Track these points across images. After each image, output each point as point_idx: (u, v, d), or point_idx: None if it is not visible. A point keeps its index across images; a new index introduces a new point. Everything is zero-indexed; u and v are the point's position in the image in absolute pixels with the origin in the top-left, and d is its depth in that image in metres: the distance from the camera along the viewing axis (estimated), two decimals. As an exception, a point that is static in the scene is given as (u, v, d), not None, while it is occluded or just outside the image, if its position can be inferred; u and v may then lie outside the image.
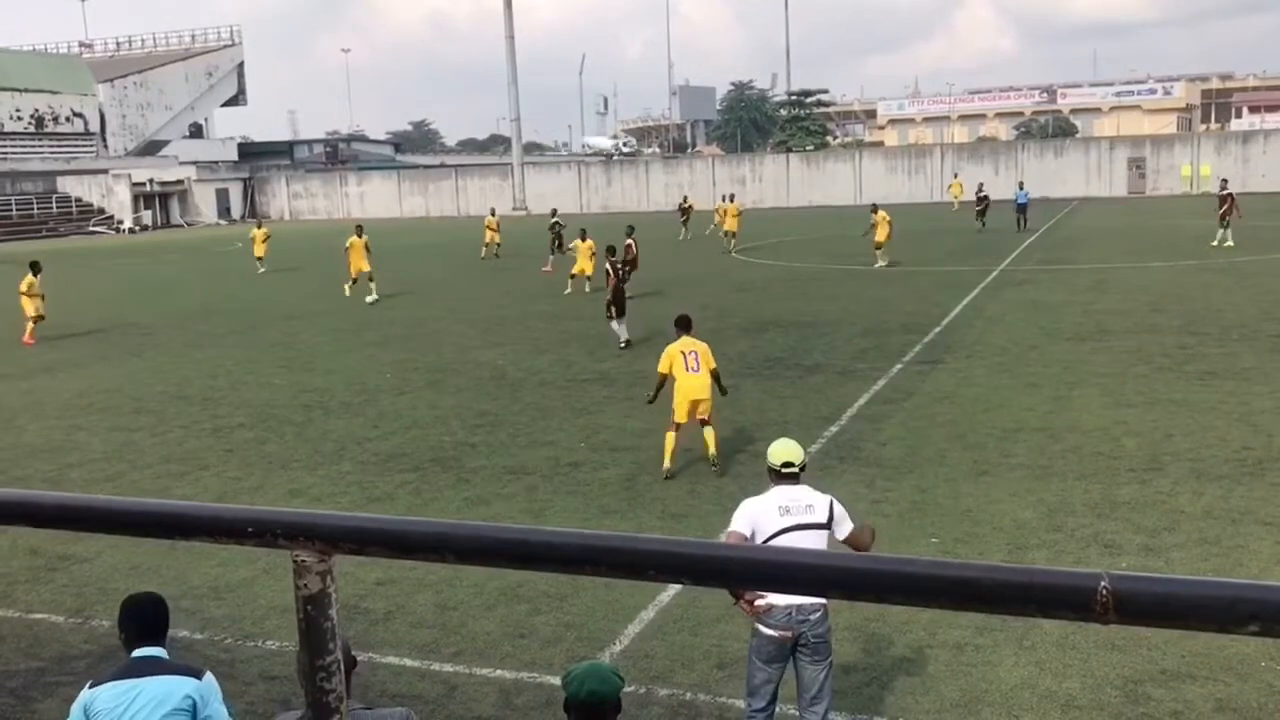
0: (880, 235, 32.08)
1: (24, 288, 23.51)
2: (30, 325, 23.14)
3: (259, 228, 39.38)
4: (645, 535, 1.37)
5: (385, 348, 20.81)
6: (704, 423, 11.67)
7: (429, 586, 8.62)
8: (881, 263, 31.54)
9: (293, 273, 37.38)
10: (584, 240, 28.03)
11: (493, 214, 42.11)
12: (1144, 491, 10.44)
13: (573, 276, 28.16)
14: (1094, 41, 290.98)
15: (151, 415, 15.69)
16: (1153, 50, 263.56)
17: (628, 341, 19.63)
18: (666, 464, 11.53)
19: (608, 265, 21.01)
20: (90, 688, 4.36)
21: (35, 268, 23.87)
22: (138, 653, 4.39)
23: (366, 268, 28.28)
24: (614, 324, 20.06)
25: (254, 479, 12.25)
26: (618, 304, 19.98)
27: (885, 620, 7.66)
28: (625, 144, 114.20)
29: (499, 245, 39.85)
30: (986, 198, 44.19)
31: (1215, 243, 33.23)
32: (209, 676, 4.48)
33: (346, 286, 28.82)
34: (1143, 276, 26.85)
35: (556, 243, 34.88)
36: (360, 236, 29.17)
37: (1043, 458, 11.70)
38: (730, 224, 39.77)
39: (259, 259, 37.85)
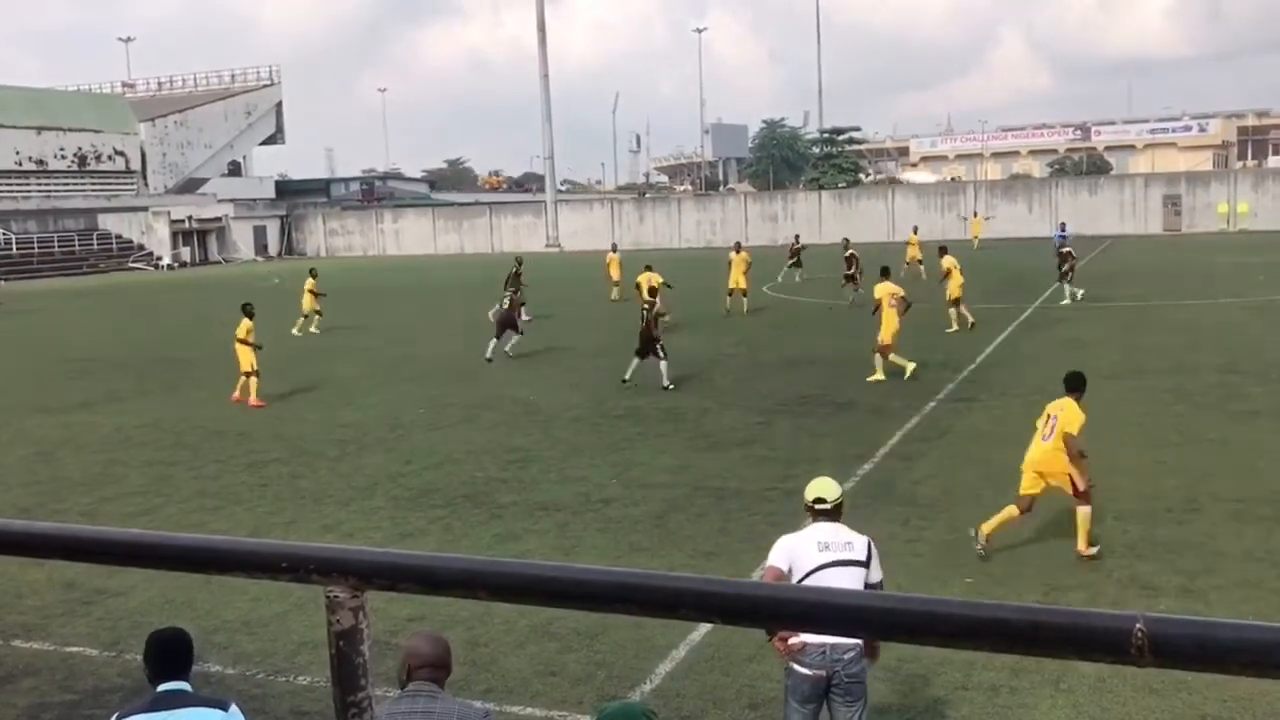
0: (952, 289, 25.54)
1: (242, 334, 19.49)
2: (255, 382, 19.18)
3: (313, 276, 30.94)
4: (677, 574, 1.37)
5: (420, 384, 20.92)
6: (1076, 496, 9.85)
7: (459, 623, 8.61)
8: (954, 326, 25.05)
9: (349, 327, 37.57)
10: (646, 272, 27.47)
11: (614, 250, 38.74)
12: (1183, 532, 10.29)
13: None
14: (1129, 78, 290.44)
15: (188, 450, 15.83)
16: (1188, 87, 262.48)
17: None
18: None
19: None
20: (117, 719, 4.39)
21: (249, 311, 19.89)
22: (164, 686, 4.44)
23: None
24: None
25: (287, 514, 12.32)
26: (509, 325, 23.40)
27: (920, 661, 7.58)
28: None
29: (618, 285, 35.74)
30: (802, 248, 41.34)
31: (1067, 301, 29.56)
32: (235, 708, 4.51)
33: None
34: (1180, 314, 26.59)
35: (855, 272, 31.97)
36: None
37: (1079, 497, 11.54)
38: (739, 279, 31.32)
39: (313, 314, 30.28)
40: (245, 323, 19.65)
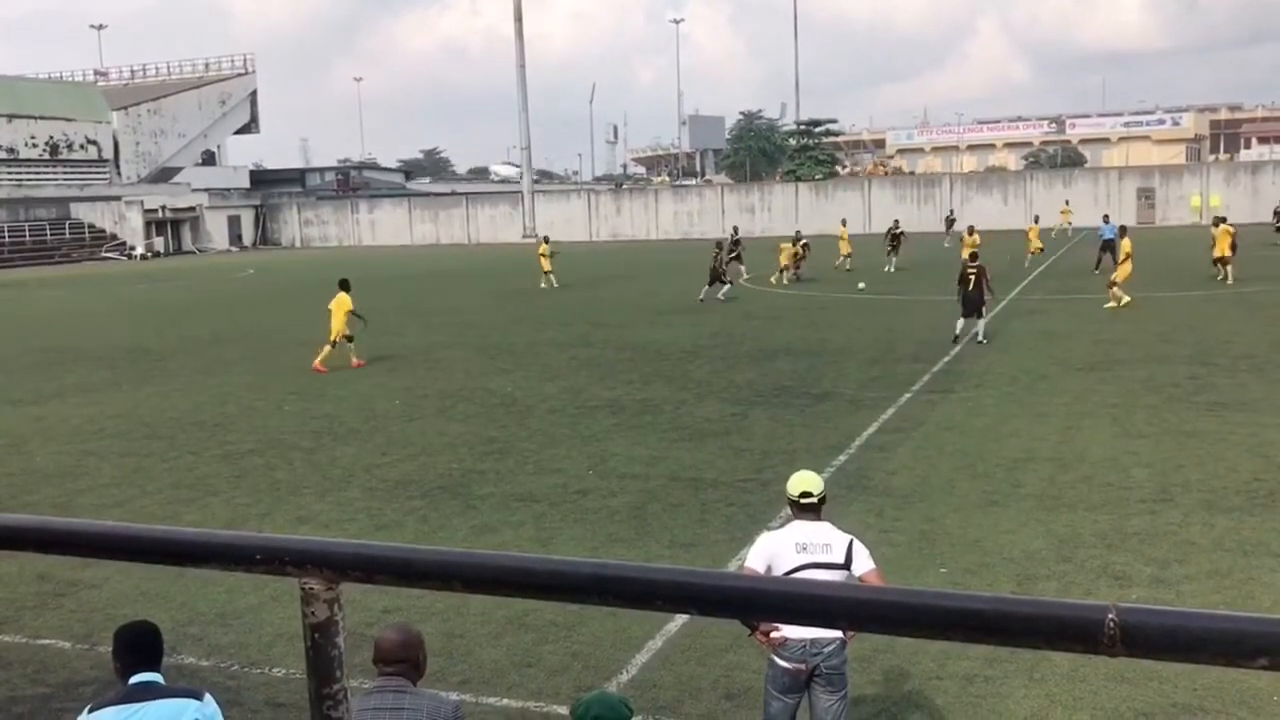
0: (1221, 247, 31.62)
1: (351, 306, 21.81)
2: (331, 349, 21.60)
3: (545, 242, 39.52)
4: (653, 565, 1.37)
5: (395, 374, 20.84)
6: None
7: (436, 614, 8.60)
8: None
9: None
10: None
11: (797, 238, 40.96)
12: (1154, 522, 10.38)
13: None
14: (1104, 71, 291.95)
15: (162, 441, 15.72)
16: (1162, 80, 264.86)
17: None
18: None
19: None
20: (89, 712, 4.33)
21: (347, 285, 22.28)
22: (135, 679, 4.38)
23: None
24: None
25: (263, 505, 12.26)
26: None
27: (894, 651, 7.62)
28: None
29: (793, 268, 38.64)
30: (901, 234, 42.06)
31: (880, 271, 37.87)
32: (209, 697, 4.47)
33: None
34: (1152, 306, 26.80)
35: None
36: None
37: (1052, 488, 11.65)
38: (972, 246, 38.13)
39: (549, 273, 37.78)
40: (346, 297, 21.97)
